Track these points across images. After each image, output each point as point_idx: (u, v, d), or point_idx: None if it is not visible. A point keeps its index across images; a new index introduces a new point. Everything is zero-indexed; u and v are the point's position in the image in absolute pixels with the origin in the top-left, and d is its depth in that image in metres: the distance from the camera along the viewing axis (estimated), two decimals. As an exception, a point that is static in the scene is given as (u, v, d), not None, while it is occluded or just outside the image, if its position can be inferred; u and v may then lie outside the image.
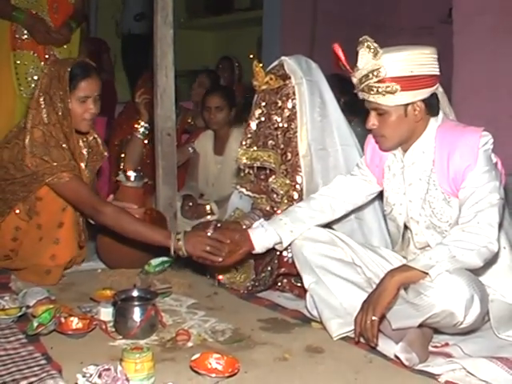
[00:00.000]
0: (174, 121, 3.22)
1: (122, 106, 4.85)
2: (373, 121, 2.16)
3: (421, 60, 2.07)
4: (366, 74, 2.07)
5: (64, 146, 2.67)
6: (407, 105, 2.10)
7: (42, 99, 2.68)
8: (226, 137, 3.94)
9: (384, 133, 2.16)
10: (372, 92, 2.08)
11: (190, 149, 4.07)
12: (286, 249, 2.51)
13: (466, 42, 3.65)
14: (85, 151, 2.89)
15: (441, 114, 2.20)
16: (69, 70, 2.65)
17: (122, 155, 3.97)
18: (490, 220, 1.97)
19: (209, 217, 3.56)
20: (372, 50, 2.04)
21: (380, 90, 2.06)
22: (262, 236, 2.44)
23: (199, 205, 3.74)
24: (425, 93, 2.10)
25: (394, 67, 2.05)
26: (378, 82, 2.06)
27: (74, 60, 2.79)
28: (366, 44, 2.06)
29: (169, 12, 3.13)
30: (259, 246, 2.45)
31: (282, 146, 2.72)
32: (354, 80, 2.14)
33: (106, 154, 3.01)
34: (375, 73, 2.05)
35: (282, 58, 2.78)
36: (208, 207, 3.68)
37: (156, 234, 2.56)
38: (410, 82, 2.06)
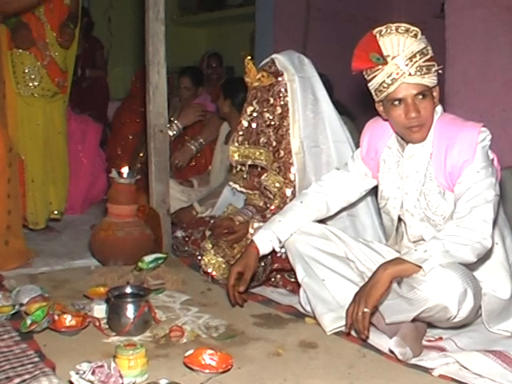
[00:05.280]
0: (166, 117, 3.22)
1: (113, 103, 4.85)
2: (416, 109, 2.06)
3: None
4: (411, 57, 2.02)
5: None
6: (433, 87, 2.09)
7: None
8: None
9: (425, 119, 2.09)
10: (420, 73, 2.03)
11: (192, 147, 4.06)
12: (279, 244, 2.51)
13: (459, 36, 3.65)
14: None
15: (440, 107, 2.19)
16: None
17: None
18: (485, 216, 1.97)
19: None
20: (412, 32, 2.03)
21: (430, 68, 2.04)
22: (265, 245, 2.37)
23: (184, 210, 3.57)
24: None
25: (430, 47, 2.06)
26: (427, 60, 2.04)
27: None
28: (400, 28, 2.03)
29: (160, 8, 3.12)
30: (264, 253, 2.40)
31: (274, 144, 2.72)
32: (390, 68, 2.03)
33: None
34: (425, 51, 2.03)
35: (274, 54, 2.77)
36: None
37: None
38: (437, 62, 2.07)
